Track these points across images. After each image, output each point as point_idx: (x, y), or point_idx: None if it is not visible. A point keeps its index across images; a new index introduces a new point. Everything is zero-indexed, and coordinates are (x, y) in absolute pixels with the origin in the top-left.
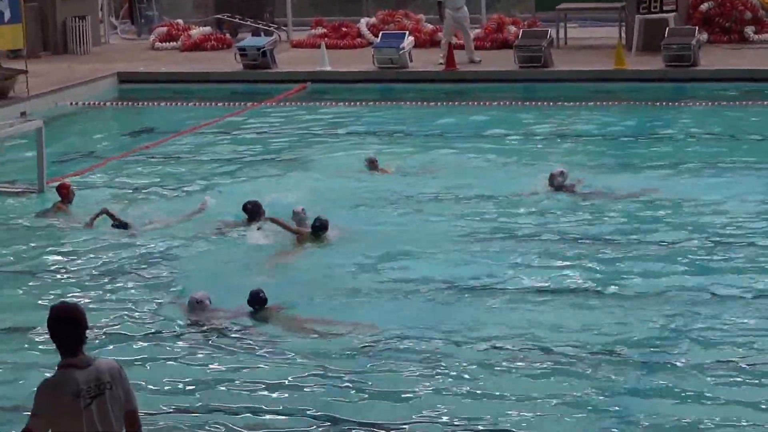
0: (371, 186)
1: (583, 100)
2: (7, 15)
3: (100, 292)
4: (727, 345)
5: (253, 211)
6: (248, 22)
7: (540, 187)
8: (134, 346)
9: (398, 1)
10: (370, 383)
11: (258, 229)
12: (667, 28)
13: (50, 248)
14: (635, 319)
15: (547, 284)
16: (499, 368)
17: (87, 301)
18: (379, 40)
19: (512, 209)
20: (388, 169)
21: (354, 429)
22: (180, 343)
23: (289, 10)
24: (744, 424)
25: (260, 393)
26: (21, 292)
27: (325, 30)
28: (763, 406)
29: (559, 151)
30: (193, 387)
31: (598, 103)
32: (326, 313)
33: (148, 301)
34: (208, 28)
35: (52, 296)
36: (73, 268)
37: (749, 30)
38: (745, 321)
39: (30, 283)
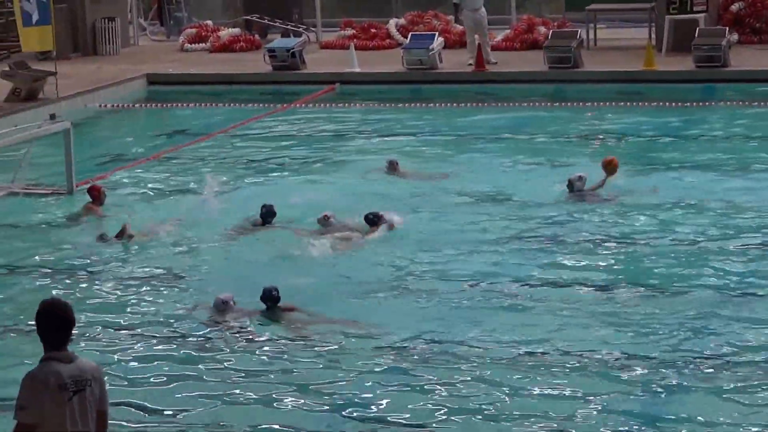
0: (393, 188)
1: (612, 101)
2: (35, 17)
3: (127, 293)
4: (757, 345)
5: (267, 215)
6: (277, 24)
7: (561, 190)
8: (161, 346)
9: (428, 2)
10: (395, 383)
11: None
12: (697, 29)
13: (77, 250)
14: (665, 320)
15: (571, 285)
16: (525, 369)
17: (112, 301)
18: (408, 41)
19: (536, 211)
20: (408, 172)
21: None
22: (205, 343)
23: (318, 11)
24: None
25: (281, 391)
26: (48, 292)
27: (354, 31)
28: None
29: (588, 153)
30: (217, 384)
31: (627, 104)
32: (348, 310)
33: (172, 301)
34: (237, 30)
35: (78, 297)
36: (99, 269)
37: None
38: None
39: (57, 284)
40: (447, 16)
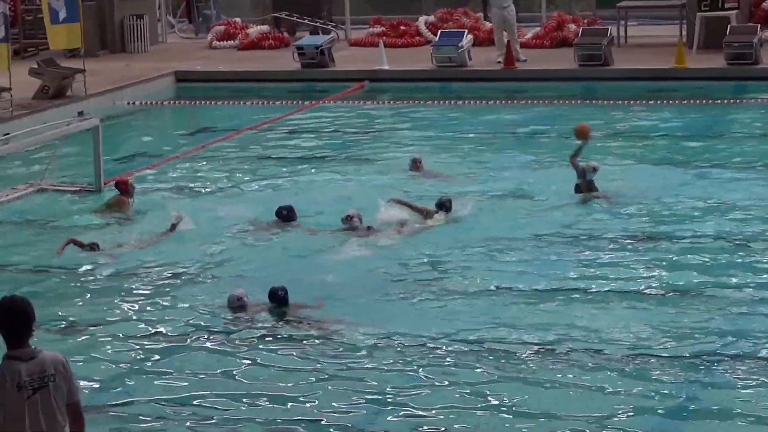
0: (421, 186)
1: (643, 98)
2: (63, 14)
3: (150, 289)
4: None
5: (288, 217)
6: (306, 21)
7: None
8: (179, 343)
9: None
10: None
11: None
12: (729, 26)
13: (103, 246)
14: (690, 319)
15: (595, 285)
16: (552, 368)
17: (135, 297)
18: (437, 38)
19: (564, 210)
20: (432, 170)
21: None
22: (220, 339)
23: (347, 9)
24: None
25: (293, 390)
26: (73, 288)
27: (384, 28)
28: None
29: (619, 150)
30: (230, 379)
31: (658, 101)
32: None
33: (191, 298)
34: (265, 27)
35: (96, 294)
36: (124, 266)
37: None
38: None
39: (81, 280)
40: (476, 13)
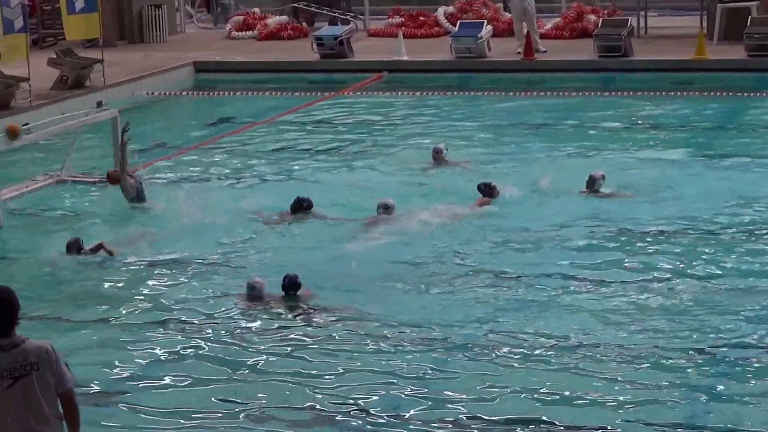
0: (439, 178)
1: (663, 90)
2: (80, 4)
3: (167, 278)
4: None
5: (305, 208)
6: (325, 11)
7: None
8: (194, 330)
9: None
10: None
11: None
12: (750, 17)
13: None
14: (711, 312)
15: (614, 279)
16: (571, 359)
17: (151, 286)
18: (456, 29)
19: (583, 202)
20: (454, 161)
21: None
22: (235, 328)
23: None
24: None
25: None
26: (88, 278)
27: (403, 19)
28: None
29: (637, 142)
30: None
31: (678, 93)
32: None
33: (208, 288)
34: (284, 17)
35: (110, 284)
36: (140, 257)
37: None
38: None
39: (92, 271)
40: (496, 3)
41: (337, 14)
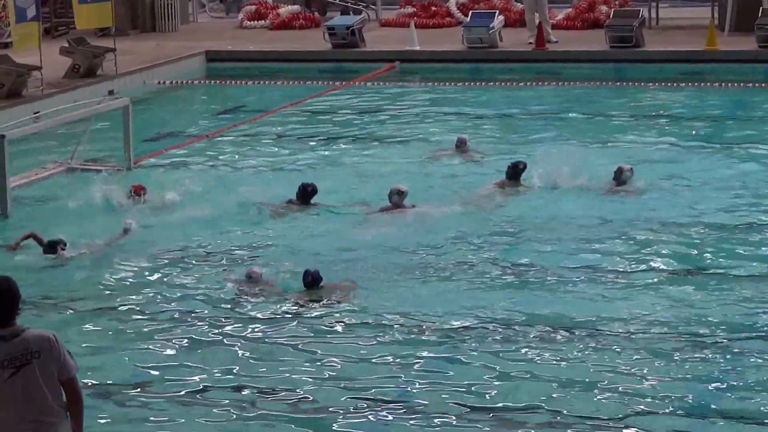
0: (456, 168)
1: (674, 81)
2: None
3: (175, 268)
4: None
5: (308, 194)
6: (337, 1)
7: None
8: (198, 320)
9: None
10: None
11: None
12: (761, 9)
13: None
14: (721, 302)
15: (628, 269)
16: (582, 349)
17: (157, 277)
18: (468, 19)
19: (594, 193)
20: (477, 150)
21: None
22: (244, 315)
23: None
24: None
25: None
26: (98, 269)
27: (415, 9)
28: None
29: (648, 133)
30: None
31: (689, 84)
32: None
33: (214, 277)
34: (296, 7)
35: (125, 274)
36: (151, 244)
37: None
38: None
39: (106, 260)
40: None
41: (349, 4)
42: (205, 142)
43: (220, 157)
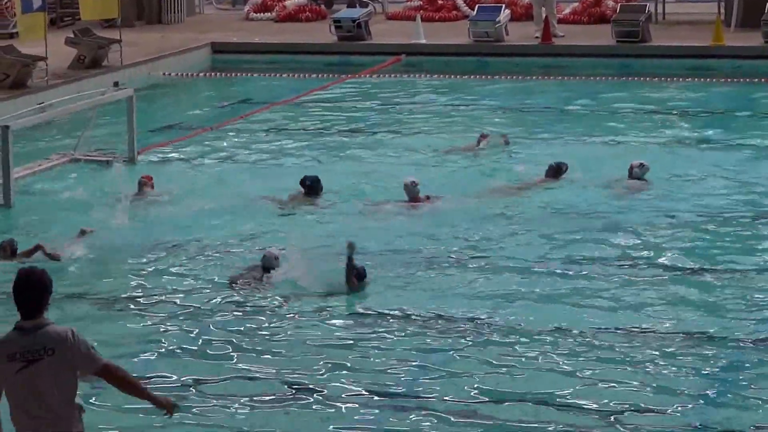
0: (462, 161)
1: (680, 76)
2: None
3: (184, 261)
4: None
5: (312, 187)
6: None
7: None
8: (201, 313)
9: None
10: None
11: None
12: (767, 4)
13: (133, 221)
14: (731, 299)
15: (632, 264)
16: (592, 346)
17: (167, 270)
18: (475, 12)
19: (599, 190)
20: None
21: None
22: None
23: None
24: None
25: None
26: (103, 261)
27: (421, 2)
28: None
29: (654, 128)
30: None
31: (695, 79)
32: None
33: (223, 270)
34: None
35: (129, 266)
36: (160, 239)
37: None
38: None
39: (112, 251)
40: None
41: None
42: (209, 134)
43: (224, 149)
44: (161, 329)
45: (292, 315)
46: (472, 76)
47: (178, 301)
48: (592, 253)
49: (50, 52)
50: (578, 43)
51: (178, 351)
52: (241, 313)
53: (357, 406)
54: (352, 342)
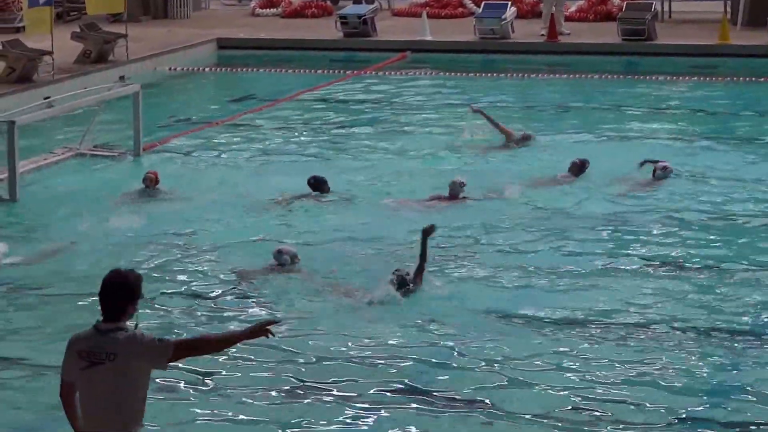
0: (467, 159)
1: (686, 74)
2: None
3: (193, 258)
4: None
5: (316, 187)
6: None
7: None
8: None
9: None
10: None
11: None
12: None
13: (139, 216)
14: (736, 296)
15: (639, 261)
16: (599, 342)
17: (172, 267)
18: (481, 10)
19: (605, 187)
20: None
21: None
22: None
23: None
24: None
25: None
26: (108, 258)
27: None
28: None
29: (661, 127)
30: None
31: (701, 78)
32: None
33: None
34: None
35: (137, 262)
36: (154, 234)
37: None
38: None
39: (118, 247)
40: None
41: None
42: (214, 130)
43: (230, 145)
44: (167, 321)
45: (301, 312)
46: (477, 74)
47: (184, 297)
48: (593, 250)
49: (56, 46)
50: (584, 41)
51: None
52: (251, 308)
53: (368, 405)
54: (367, 339)
